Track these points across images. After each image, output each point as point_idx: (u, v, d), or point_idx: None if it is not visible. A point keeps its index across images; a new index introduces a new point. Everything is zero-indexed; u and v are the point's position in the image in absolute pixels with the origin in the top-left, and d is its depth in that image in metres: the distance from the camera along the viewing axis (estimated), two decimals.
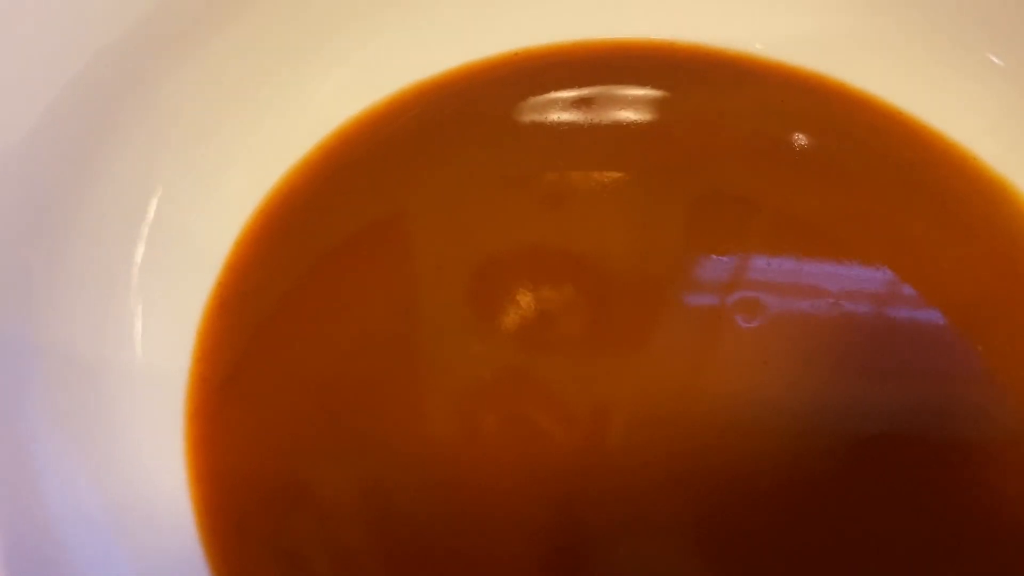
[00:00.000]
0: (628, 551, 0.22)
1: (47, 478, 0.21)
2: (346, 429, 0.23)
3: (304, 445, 0.23)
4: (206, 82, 0.25)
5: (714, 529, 0.22)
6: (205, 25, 0.25)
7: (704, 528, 0.22)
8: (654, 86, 0.27)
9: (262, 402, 0.24)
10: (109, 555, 0.21)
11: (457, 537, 0.22)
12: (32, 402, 0.21)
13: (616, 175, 0.26)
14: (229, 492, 0.23)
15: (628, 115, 0.27)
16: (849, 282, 0.25)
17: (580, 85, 0.27)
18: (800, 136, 0.27)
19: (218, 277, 0.25)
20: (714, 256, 0.25)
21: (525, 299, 0.24)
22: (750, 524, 0.22)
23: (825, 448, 0.23)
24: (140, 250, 0.24)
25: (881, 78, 0.27)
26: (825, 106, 0.27)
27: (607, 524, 0.22)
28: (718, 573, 0.22)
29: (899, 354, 0.24)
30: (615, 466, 0.23)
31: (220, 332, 0.24)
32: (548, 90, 0.27)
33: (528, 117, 0.27)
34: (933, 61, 0.27)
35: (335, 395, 0.24)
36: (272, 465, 0.23)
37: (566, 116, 0.27)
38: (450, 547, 0.22)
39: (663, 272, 0.25)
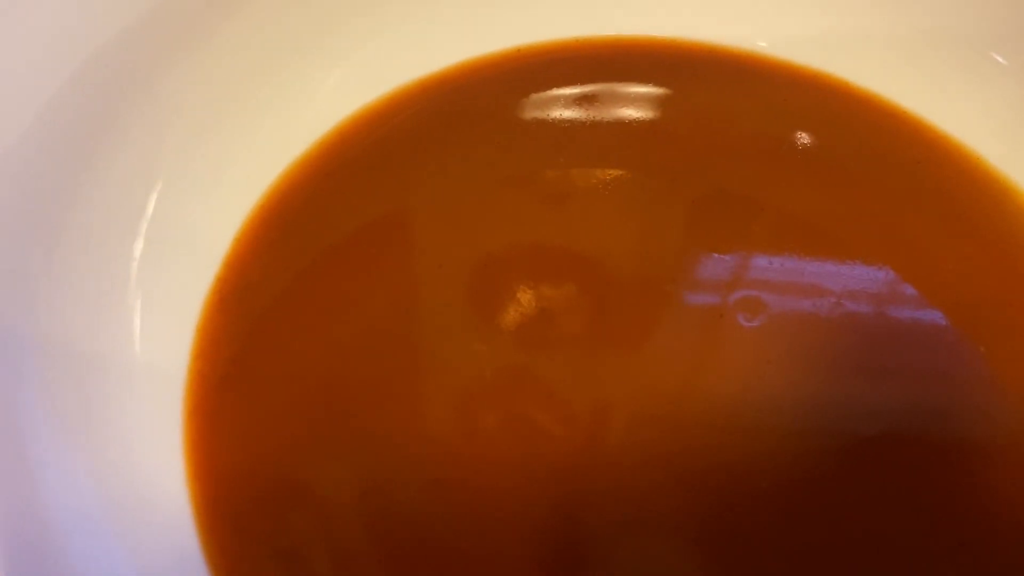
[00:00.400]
0: (628, 550, 0.22)
1: (45, 475, 0.21)
2: (345, 427, 0.23)
3: (303, 443, 0.23)
4: (206, 78, 0.25)
5: (714, 528, 0.22)
6: (205, 22, 0.25)
7: (704, 527, 0.22)
8: (656, 84, 0.27)
9: (261, 399, 0.24)
10: (107, 552, 0.21)
11: (457, 536, 0.22)
12: (30, 398, 0.21)
13: (618, 173, 0.26)
14: (228, 489, 0.23)
15: (630, 113, 0.27)
16: (851, 281, 0.25)
17: (582, 82, 0.27)
18: (803, 135, 0.27)
19: (217, 273, 0.25)
20: (716, 255, 0.25)
21: (525, 297, 0.24)
22: (750, 523, 0.22)
23: (826, 448, 0.23)
24: (139, 246, 0.24)
25: (885, 77, 0.27)
26: (828, 105, 0.27)
27: (607, 523, 0.22)
28: (718, 572, 0.22)
29: (900, 354, 0.24)
30: (615, 465, 0.23)
31: (219, 329, 0.24)
32: (550, 87, 0.27)
33: (530, 114, 0.27)
34: (937, 61, 0.27)
35: (334, 393, 0.24)
36: (271, 462, 0.23)
37: (568, 113, 0.27)
38: (449, 546, 0.22)
39: (664, 271, 0.25)
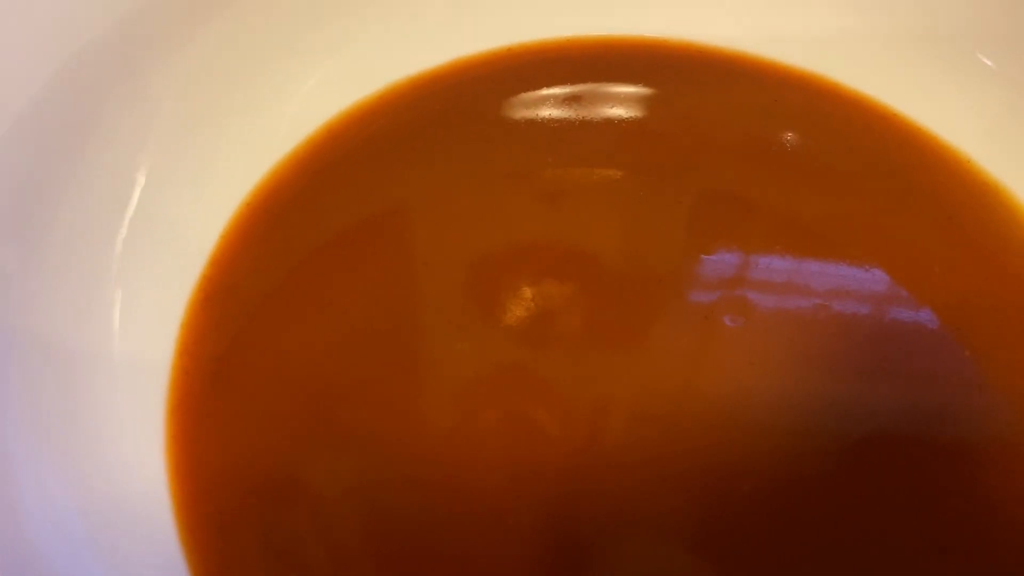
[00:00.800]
0: (624, 549, 0.22)
1: (20, 474, 0.21)
2: (335, 425, 0.23)
3: (290, 441, 0.23)
4: (193, 75, 0.25)
5: (712, 528, 0.22)
6: (194, 18, 0.24)
7: (702, 527, 0.22)
8: (645, 84, 0.27)
9: (247, 397, 0.23)
10: (86, 555, 0.21)
11: (451, 535, 0.22)
12: (8, 395, 0.21)
13: (607, 173, 0.26)
14: (211, 488, 0.22)
15: (618, 112, 0.27)
16: (840, 282, 0.25)
17: (572, 82, 0.27)
18: (792, 135, 0.27)
19: (203, 270, 0.24)
20: (705, 255, 0.25)
21: (514, 296, 0.24)
22: (747, 523, 0.22)
23: (819, 448, 0.23)
24: (122, 241, 0.24)
25: (874, 78, 0.27)
26: (817, 105, 0.27)
27: (602, 522, 0.22)
28: (715, 571, 0.22)
29: (889, 355, 0.24)
30: (610, 464, 0.23)
31: (204, 326, 0.24)
32: (540, 86, 0.27)
33: (519, 113, 0.27)
34: (926, 62, 0.27)
35: (323, 391, 0.23)
36: (257, 461, 0.23)
37: (557, 113, 0.27)
38: (444, 546, 0.22)
39: (656, 270, 0.25)
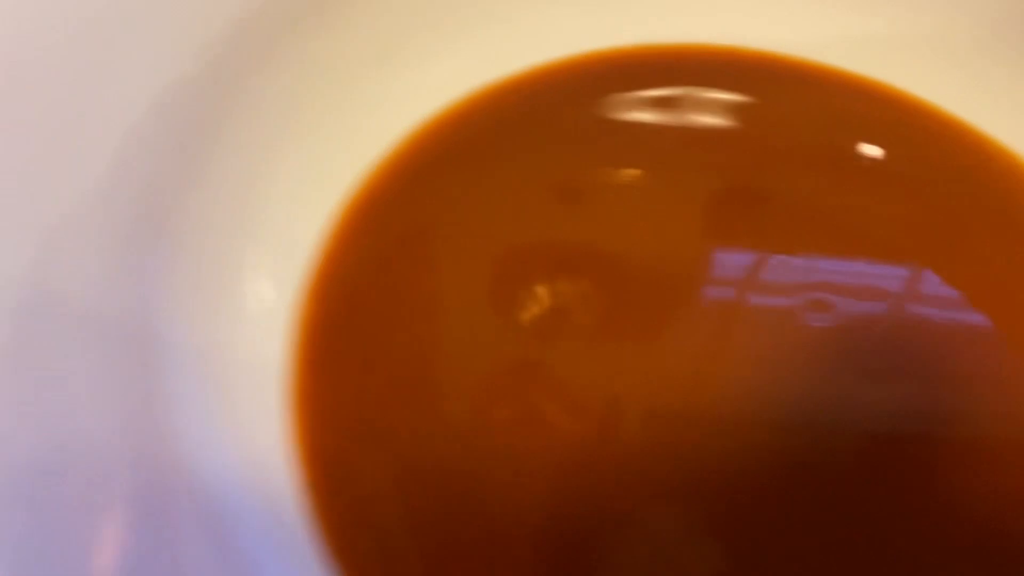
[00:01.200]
0: (636, 547, 0.22)
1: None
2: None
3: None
4: (294, 80, 0.25)
5: (724, 525, 0.22)
6: (295, 35, 0.25)
7: (714, 524, 0.23)
8: (742, 92, 0.27)
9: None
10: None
11: (462, 529, 0.22)
12: (154, 384, 0.22)
13: (680, 176, 0.27)
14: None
15: (707, 120, 0.27)
16: (887, 284, 0.25)
17: (655, 86, 0.27)
18: (861, 143, 0.27)
19: (312, 265, 0.25)
20: (778, 257, 0.25)
21: (573, 298, 0.25)
22: (760, 521, 0.22)
23: (840, 447, 0.23)
24: (243, 237, 0.25)
25: (946, 87, 0.27)
26: (887, 113, 0.27)
27: (614, 518, 0.22)
28: (728, 568, 0.22)
29: (943, 358, 0.25)
30: (628, 461, 0.23)
31: (313, 319, 0.25)
32: (623, 90, 0.27)
33: (604, 117, 0.27)
34: (996, 70, 0.27)
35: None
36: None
37: (643, 117, 0.27)
38: (455, 539, 0.22)
39: (720, 273, 0.25)
